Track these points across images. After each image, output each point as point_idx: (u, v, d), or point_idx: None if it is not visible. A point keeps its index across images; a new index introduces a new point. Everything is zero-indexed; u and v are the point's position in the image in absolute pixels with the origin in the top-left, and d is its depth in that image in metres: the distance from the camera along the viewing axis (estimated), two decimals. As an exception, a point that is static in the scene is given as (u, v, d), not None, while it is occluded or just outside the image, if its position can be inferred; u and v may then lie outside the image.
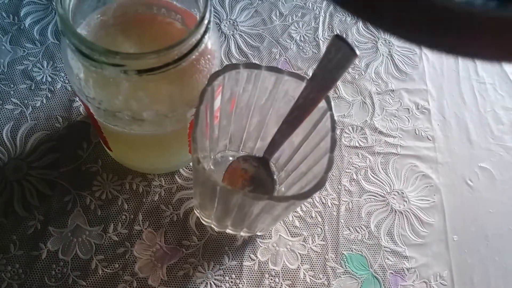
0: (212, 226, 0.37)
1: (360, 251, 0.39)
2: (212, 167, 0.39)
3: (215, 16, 0.47)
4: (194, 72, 0.27)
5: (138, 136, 0.30)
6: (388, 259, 0.39)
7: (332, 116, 0.27)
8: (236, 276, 0.36)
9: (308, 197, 0.25)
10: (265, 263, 0.37)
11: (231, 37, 0.46)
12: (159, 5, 0.31)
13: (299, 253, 0.38)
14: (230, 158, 0.39)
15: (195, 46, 0.24)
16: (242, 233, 0.37)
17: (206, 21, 0.24)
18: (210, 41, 0.27)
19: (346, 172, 0.42)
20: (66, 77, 0.41)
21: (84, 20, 0.29)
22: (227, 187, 0.25)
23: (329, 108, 0.27)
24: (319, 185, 0.25)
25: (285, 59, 0.47)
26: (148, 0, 0.31)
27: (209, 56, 0.28)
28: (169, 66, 0.24)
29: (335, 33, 0.49)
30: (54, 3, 0.44)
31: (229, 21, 0.47)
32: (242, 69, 0.28)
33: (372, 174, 0.42)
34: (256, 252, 0.37)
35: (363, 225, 0.40)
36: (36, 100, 0.40)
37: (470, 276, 0.39)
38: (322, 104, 0.27)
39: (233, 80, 0.29)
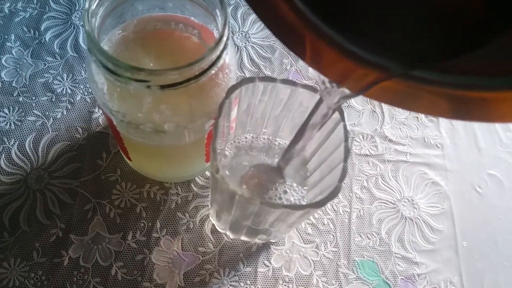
0: (227, 233, 0.38)
1: (372, 257, 0.39)
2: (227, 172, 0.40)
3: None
4: (213, 86, 0.28)
5: (158, 147, 0.32)
6: (398, 265, 0.39)
7: (345, 126, 0.28)
8: (251, 282, 0.37)
9: (322, 205, 0.26)
10: (278, 269, 0.38)
11: (244, 48, 0.48)
12: (177, 21, 0.32)
13: (311, 259, 0.39)
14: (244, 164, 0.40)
15: (214, 62, 0.26)
16: (256, 240, 0.38)
17: (225, 39, 0.26)
18: (227, 56, 0.28)
19: (357, 179, 0.43)
20: (85, 89, 0.43)
21: (106, 36, 0.30)
22: (245, 196, 0.26)
23: (342, 118, 0.28)
24: (333, 194, 0.26)
25: (296, 69, 0.48)
26: (166, 16, 0.32)
27: (226, 70, 0.29)
28: (190, 81, 0.25)
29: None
30: (81, 22, 0.46)
31: (241, 33, 0.49)
32: (258, 82, 0.29)
33: (383, 182, 0.43)
34: (270, 258, 0.38)
35: (374, 232, 0.40)
36: (56, 111, 0.41)
37: (480, 282, 0.40)
38: (335, 115, 0.28)
39: (249, 92, 0.30)
